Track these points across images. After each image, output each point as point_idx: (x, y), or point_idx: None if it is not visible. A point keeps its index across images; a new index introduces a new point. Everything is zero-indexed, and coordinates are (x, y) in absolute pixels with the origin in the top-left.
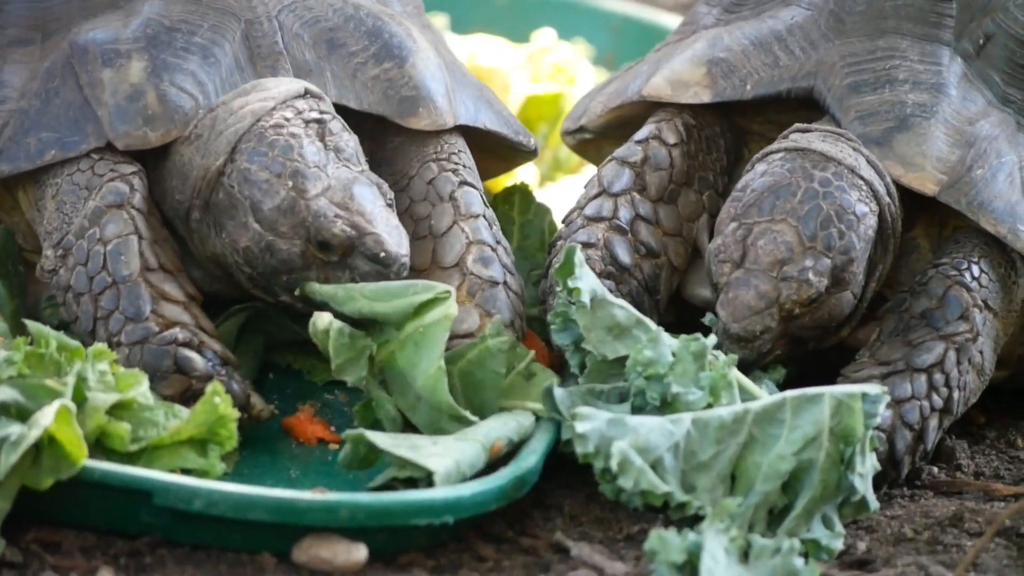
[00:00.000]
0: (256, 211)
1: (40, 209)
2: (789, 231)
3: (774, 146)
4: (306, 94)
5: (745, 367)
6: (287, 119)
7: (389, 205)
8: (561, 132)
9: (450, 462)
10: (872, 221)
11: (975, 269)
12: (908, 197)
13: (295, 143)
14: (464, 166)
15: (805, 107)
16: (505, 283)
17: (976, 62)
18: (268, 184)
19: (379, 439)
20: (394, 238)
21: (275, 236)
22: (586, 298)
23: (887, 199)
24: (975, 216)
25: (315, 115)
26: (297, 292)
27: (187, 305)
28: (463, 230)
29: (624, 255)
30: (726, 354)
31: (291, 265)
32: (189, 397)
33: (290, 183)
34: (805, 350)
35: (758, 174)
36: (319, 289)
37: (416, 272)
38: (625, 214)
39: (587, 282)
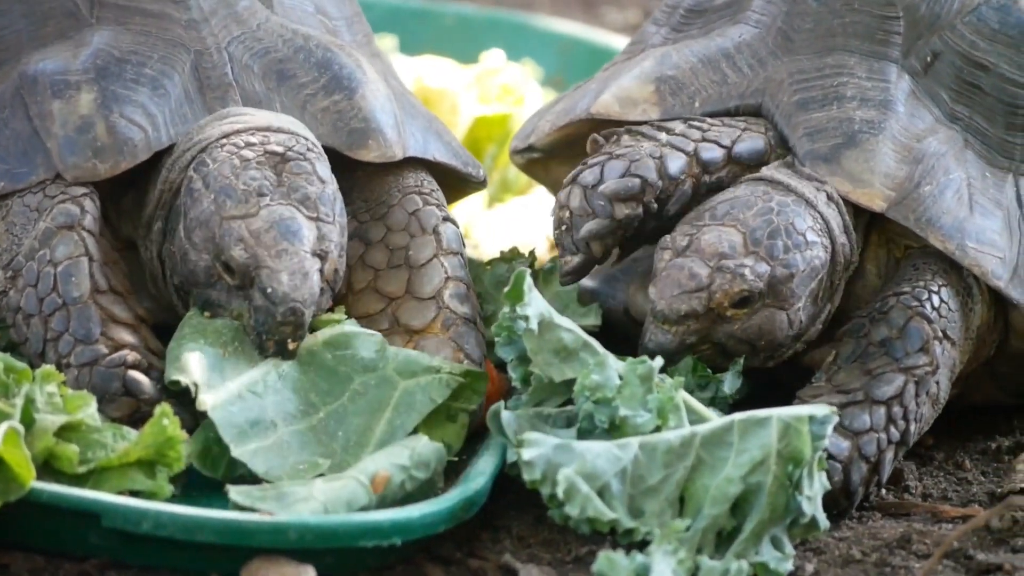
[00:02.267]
0: (185, 217)
1: None
2: (736, 234)
3: (745, 176)
4: (287, 132)
5: (667, 358)
6: (248, 143)
7: (319, 255)
8: (510, 151)
9: (316, 505)
10: (821, 254)
11: (935, 299)
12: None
13: (238, 163)
14: (442, 203)
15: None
16: (475, 322)
17: (924, 79)
18: (198, 194)
19: (243, 496)
20: (293, 280)
21: (189, 245)
22: (534, 324)
23: (843, 239)
24: (923, 232)
25: (279, 148)
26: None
27: (136, 327)
28: (443, 264)
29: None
30: (649, 344)
31: (197, 278)
32: (138, 419)
33: (213, 197)
34: (723, 367)
35: (721, 195)
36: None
37: (389, 300)
38: None
39: (535, 307)
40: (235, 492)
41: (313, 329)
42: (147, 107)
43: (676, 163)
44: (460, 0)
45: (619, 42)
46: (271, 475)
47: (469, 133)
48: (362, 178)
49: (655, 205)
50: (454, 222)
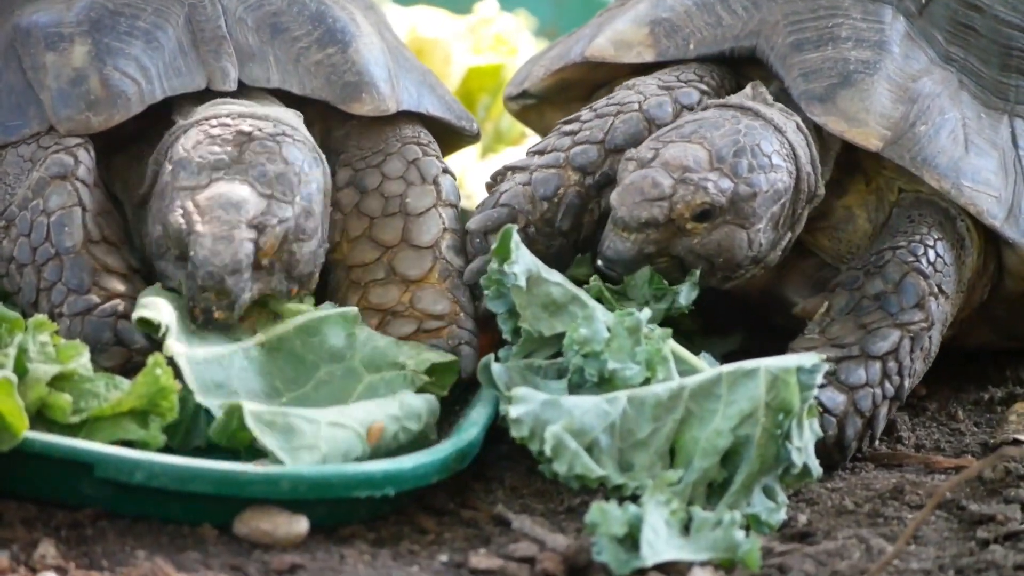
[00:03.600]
0: (153, 188)
1: None
2: (702, 151)
3: (715, 101)
4: (267, 118)
5: (624, 268)
6: (221, 123)
7: (257, 227)
8: (504, 97)
9: (317, 456)
10: (785, 178)
11: (931, 254)
12: (841, 162)
13: (201, 139)
14: (440, 155)
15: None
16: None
17: (919, 21)
18: (162, 168)
19: (254, 417)
20: (216, 246)
21: (151, 216)
22: (522, 280)
23: (808, 169)
24: (919, 171)
25: (248, 128)
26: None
27: (129, 277)
28: (441, 215)
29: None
30: (607, 252)
31: (151, 249)
32: (130, 369)
33: (171, 168)
34: (680, 282)
35: (690, 116)
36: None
37: (384, 249)
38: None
39: (523, 263)
40: (249, 408)
41: (279, 316)
42: (141, 60)
43: (546, 186)
44: None
45: None
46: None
47: (462, 83)
48: (358, 127)
49: (543, 227)
50: (452, 175)
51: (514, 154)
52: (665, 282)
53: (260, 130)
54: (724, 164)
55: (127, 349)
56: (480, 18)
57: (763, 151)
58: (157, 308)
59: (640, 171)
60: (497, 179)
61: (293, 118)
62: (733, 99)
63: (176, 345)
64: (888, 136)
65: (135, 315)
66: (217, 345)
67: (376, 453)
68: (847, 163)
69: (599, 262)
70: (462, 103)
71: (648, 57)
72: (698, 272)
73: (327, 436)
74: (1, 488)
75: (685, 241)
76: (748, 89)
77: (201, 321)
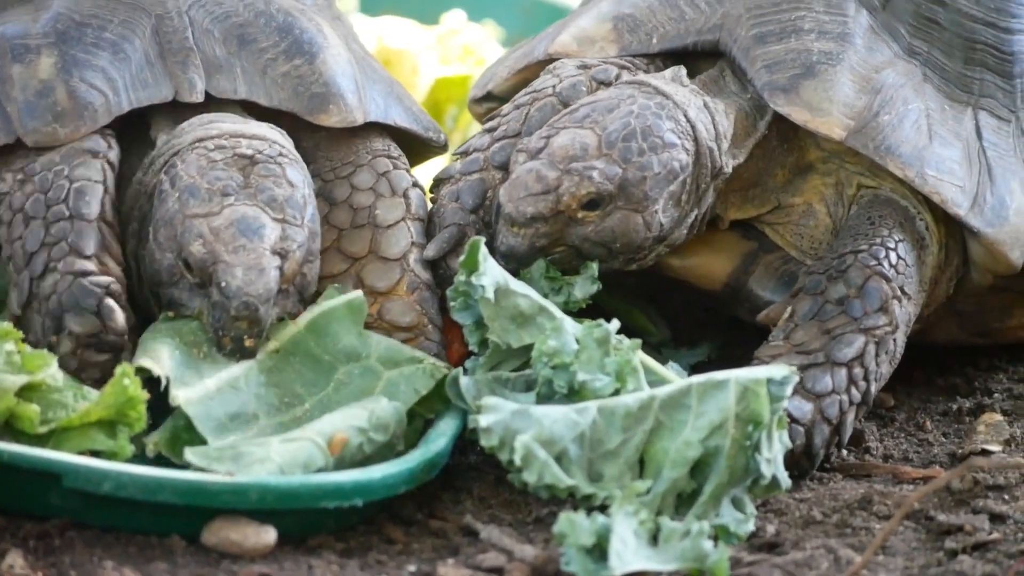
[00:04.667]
0: (155, 220)
1: None
2: (591, 136)
3: (622, 79)
4: (260, 137)
5: (518, 262)
6: (218, 146)
7: (280, 253)
8: (468, 102)
9: (272, 467)
10: (682, 156)
11: (893, 256)
12: (795, 160)
13: (205, 164)
14: (409, 169)
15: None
16: (435, 289)
17: (882, 14)
18: (165, 195)
19: (199, 456)
20: (248, 276)
21: (155, 245)
22: (490, 293)
23: (711, 145)
24: (882, 160)
25: (249, 151)
26: None
27: (126, 271)
28: (409, 228)
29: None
30: (500, 247)
31: (161, 277)
32: (89, 353)
33: (177, 195)
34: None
35: (588, 97)
36: None
37: (352, 261)
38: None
39: (491, 276)
40: (191, 453)
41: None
42: (107, 71)
43: (472, 195)
44: None
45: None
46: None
47: (430, 94)
48: (327, 138)
49: (485, 231)
50: (422, 188)
51: None
52: (560, 275)
53: (260, 152)
54: (613, 149)
55: (100, 323)
56: (448, 29)
57: (654, 131)
58: (158, 358)
59: (526, 164)
60: (433, 191)
61: (280, 136)
62: (640, 76)
63: (180, 395)
64: (851, 125)
65: (136, 362)
66: (227, 365)
67: (341, 464)
68: (799, 165)
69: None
70: (430, 114)
71: (611, 52)
72: (595, 265)
73: (279, 450)
74: None
75: (579, 230)
76: (667, 72)
77: (230, 350)
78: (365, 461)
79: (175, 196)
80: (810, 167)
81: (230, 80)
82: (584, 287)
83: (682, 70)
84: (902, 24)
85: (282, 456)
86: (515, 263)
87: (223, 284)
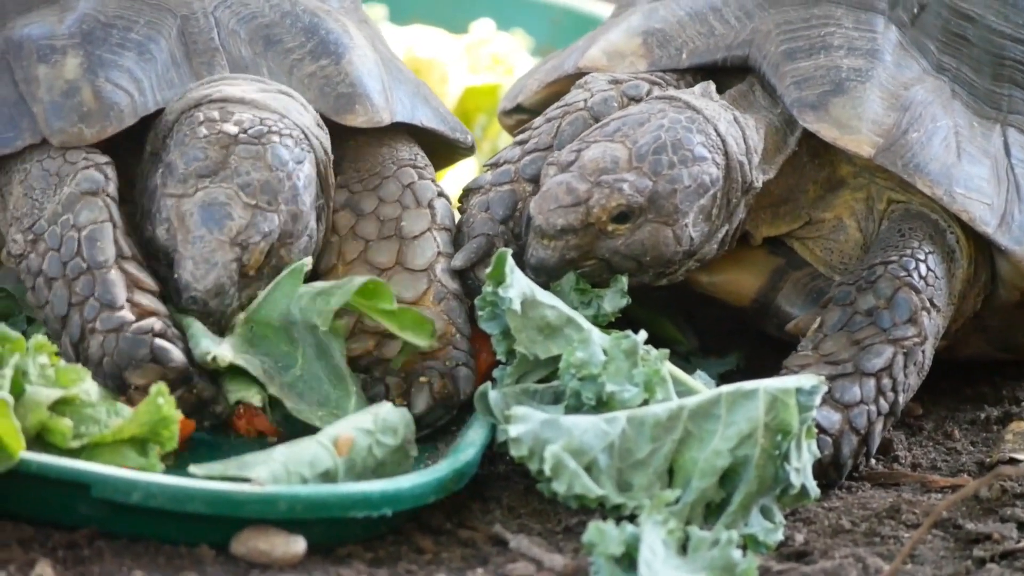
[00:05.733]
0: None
1: (5, 195)
2: (622, 150)
3: (653, 94)
4: (257, 107)
5: (548, 274)
6: (207, 118)
7: (241, 244)
8: (498, 113)
9: (277, 467)
10: (713, 171)
11: (923, 268)
12: (827, 176)
13: (188, 142)
14: (435, 178)
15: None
16: (463, 299)
17: (911, 30)
18: (153, 166)
19: (205, 471)
20: (197, 270)
21: (143, 215)
22: (517, 304)
23: (741, 159)
24: (911, 178)
25: (234, 129)
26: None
27: (158, 295)
28: (435, 239)
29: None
30: (531, 260)
31: (147, 249)
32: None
33: (160, 171)
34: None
35: (619, 112)
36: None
37: (379, 271)
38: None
39: (518, 287)
40: (197, 468)
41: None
42: (133, 72)
43: (503, 206)
44: None
45: (609, 11)
46: (300, 409)
47: (459, 103)
48: (353, 148)
49: (515, 242)
50: (447, 198)
51: None
52: (590, 287)
53: (245, 131)
54: (643, 163)
55: (160, 367)
56: (477, 38)
57: (685, 145)
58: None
59: (557, 177)
60: (462, 201)
61: (285, 104)
62: (671, 91)
63: (227, 353)
64: (880, 143)
65: (205, 354)
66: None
67: (354, 469)
68: (830, 180)
69: (527, 270)
70: (457, 118)
71: (641, 67)
72: (625, 279)
73: (282, 452)
74: None
75: (609, 243)
76: (697, 87)
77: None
78: (379, 467)
79: (159, 171)
80: (841, 182)
81: None
82: (613, 301)
83: (711, 85)
84: (931, 40)
85: (287, 457)
86: (545, 275)
87: (176, 275)
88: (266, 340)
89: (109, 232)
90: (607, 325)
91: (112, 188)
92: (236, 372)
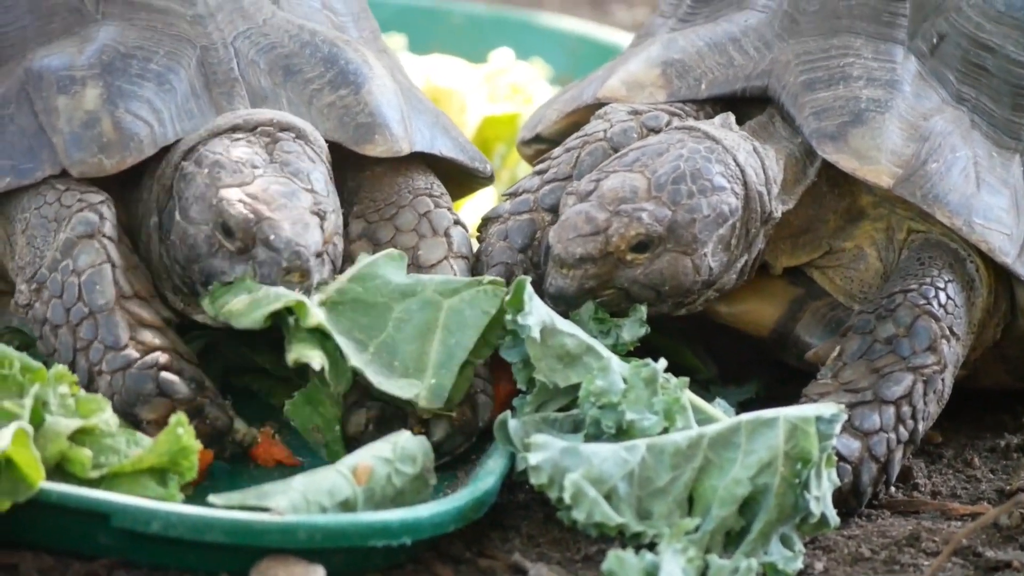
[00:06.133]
0: (180, 201)
1: (11, 245)
2: (641, 179)
3: (673, 125)
4: (276, 123)
5: (568, 303)
6: (235, 127)
7: (316, 213)
8: (517, 143)
9: (295, 495)
10: (731, 200)
11: (942, 296)
12: (847, 206)
13: (228, 143)
14: (451, 207)
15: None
16: None
17: (930, 61)
18: (191, 176)
19: (224, 500)
20: (294, 228)
21: (187, 223)
22: (535, 332)
23: (760, 189)
24: (930, 208)
25: (269, 130)
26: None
27: (164, 330)
28: (452, 267)
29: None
30: (549, 289)
31: (198, 251)
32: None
33: (206, 171)
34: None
35: (638, 143)
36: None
37: None
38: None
39: (537, 315)
40: (216, 499)
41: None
42: (153, 102)
43: (521, 235)
44: None
45: (628, 40)
46: (379, 381)
47: (478, 132)
48: (370, 178)
49: (533, 271)
50: (464, 226)
51: None
52: (609, 317)
53: (280, 132)
54: (662, 192)
55: (169, 400)
56: (495, 67)
57: (704, 174)
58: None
59: (576, 206)
60: (480, 231)
61: (296, 120)
62: (689, 121)
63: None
64: (900, 174)
65: (298, 357)
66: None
67: (373, 498)
68: (850, 211)
69: (546, 299)
70: (476, 148)
71: (660, 97)
72: (644, 308)
73: (301, 481)
74: (17, 538)
75: (628, 272)
76: (717, 118)
77: None
78: (398, 496)
79: (204, 173)
80: (861, 212)
81: (276, 110)
82: (632, 330)
83: (731, 117)
84: (950, 70)
85: (305, 486)
86: (564, 305)
87: (271, 238)
88: (342, 321)
89: (108, 274)
90: (626, 354)
91: (108, 227)
92: (303, 335)
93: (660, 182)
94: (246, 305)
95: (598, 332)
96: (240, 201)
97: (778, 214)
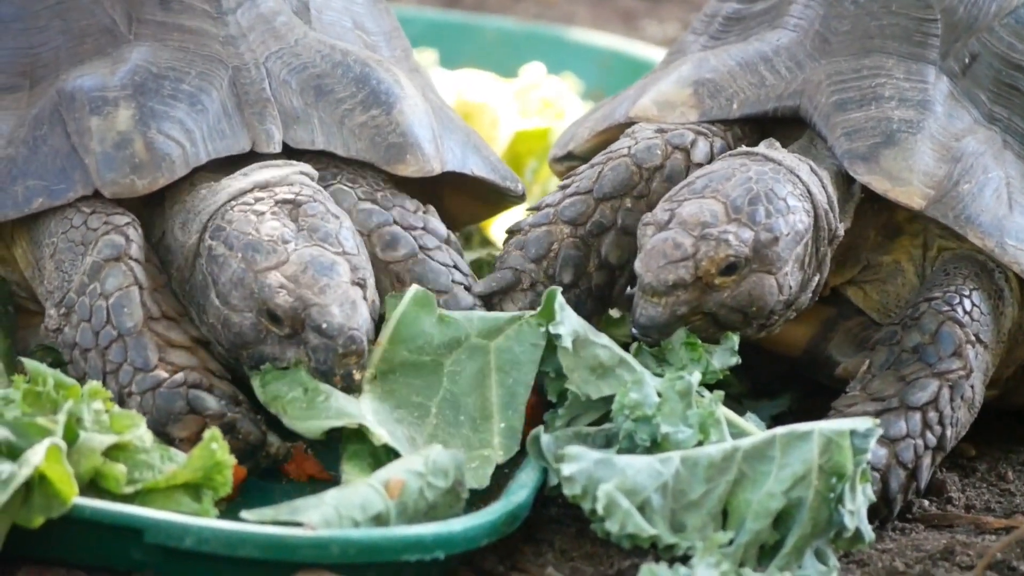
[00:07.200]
0: (215, 284)
1: (40, 269)
2: (716, 204)
3: (698, 144)
4: (289, 182)
5: (659, 332)
6: (257, 199)
7: (358, 283)
8: (549, 160)
9: (328, 509)
10: (804, 219)
11: (967, 303)
12: (885, 221)
13: (254, 219)
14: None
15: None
16: None
17: (962, 81)
18: (223, 258)
19: (257, 516)
20: (343, 311)
21: (228, 309)
22: (568, 342)
23: (825, 207)
24: (962, 230)
25: (289, 196)
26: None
27: (194, 350)
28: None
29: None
30: (640, 319)
31: (245, 338)
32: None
33: (240, 255)
34: (716, 339)
35: (700, 171)
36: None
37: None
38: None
39: (569, 325)
40: (247, 514)
41: None
42: (185, 123)
43: (537, 245)
44: (500, 14)
45: (658, 55)
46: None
47: (509, 147)
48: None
49: (548, 283)
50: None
51: None
52: (700, 344)
53: (299, 194)
54: (741, 214)
55: (200, 417)
56: (527, 82)
57: (777, 195)
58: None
59: (659, 234)
60: (504, 244)
61: (305, 174)
62: (744, 148)
63: (383, 433)
64: (931, 195)
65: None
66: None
67: (406, 512)
68: (888, 226)
69: (634, 330)
70: (510, 167)
71: (691, 117)
72: (736, 337)
73: (333, 495)
74: (51, 554)
75: (716, 296)
76: (762, 144)
77: (340, 388)
78: (431, 510)
79: (238, 257)
80: (899, 228)
81: (307, 131)
82: (723, 358)
83: (775, 142)
84: (982, 91)
85: (337, 500)
86: (656, 333)
87: (324, 326)
88: (398, 389)
89: (135, 296)
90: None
91: (135, 249)
92: (358, 447)
93: (737, 204)
94: (303, 409)
95: (689, 360)
96: (282, 287)
97: (841, 232)
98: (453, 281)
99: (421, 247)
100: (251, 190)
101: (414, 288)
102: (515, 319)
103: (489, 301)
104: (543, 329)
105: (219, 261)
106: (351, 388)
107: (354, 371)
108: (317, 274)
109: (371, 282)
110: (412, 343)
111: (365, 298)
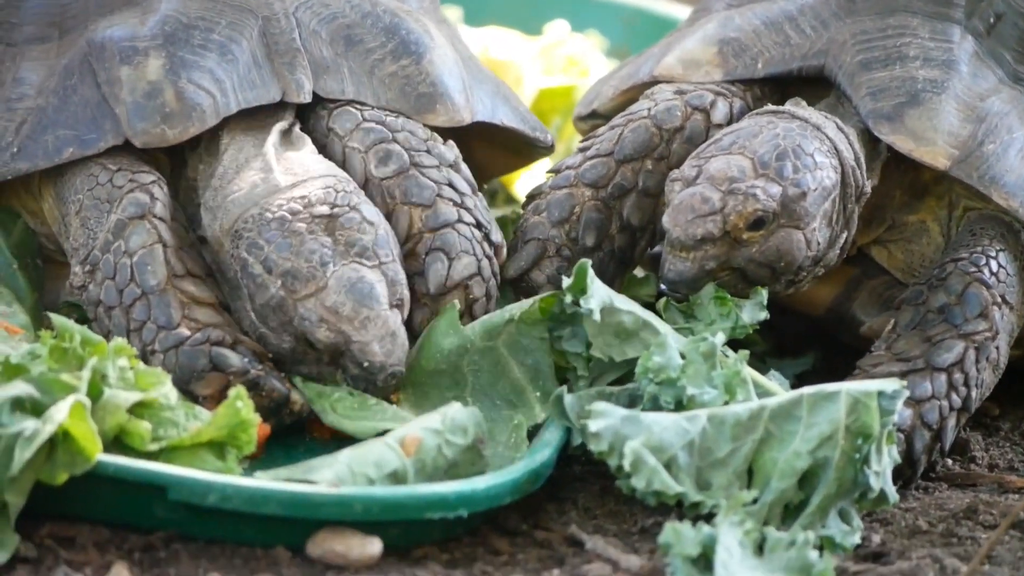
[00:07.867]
0: (252, 301)
1: (66, 225)
2: (744, 160)
3: (718, 104)
4: (320, 184)
5: (687, 287)
6: (294, 213)
7: (397, 305)
8: (573, 118)
9: (340, 467)
10: (832, 174)
11: (994, 264)
12: (911, 180)
13: (293, 241)
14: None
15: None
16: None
17: (987, 40)
18: (261, 279)
19: (270, 475)
20: (383, 347)
21: (266, 329)
22: (597, 315)
23: (852, 164)
24: (986, 190)
25: (325, 209)
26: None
27: (217, 308)
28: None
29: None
30: (669, 274)
31: (283, 356)
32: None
33: (279, 282)
34: (745, 294)
35: (727, 128)
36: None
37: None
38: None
39: (598, 297)
40: (262, 474)
41: None
42: (215, 73)
43: (559, 209)
44: None
45: (683, 12)
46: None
47: (534, 105)
48: None
49: (572, 247)
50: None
51: None
52: (730, 298)
53: (335, 205)
54: (768, 169)
55: (223, 374)
56: (552, 40)
57: (805, 151)
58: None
59: (687, 189)
60: (524, 207)
61: (334, 173)
62: (770, 106)
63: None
64: (956, 155)
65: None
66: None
67: (423, 468)
68: (914, 185)
69: (662, 285)
70: (536, 117)
71: (716, 76)
72: (764, 292)
73: (347, 454)
74: (74, 511)
75: (744, 251)
76: (788, 103)
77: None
78: (452, 468)
79: (277, 284)
80: (925, 188)
81: (337, 81)
82: (752, 312)
83: (802, 101)
84: (1007, 50)
85: (351, 459)
86: (685, 288)
87: (366, 364)
88: (430, 392)
89: (159, 254)
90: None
91: (159, 207)
92: None
93: (764, 160)
94: (353, 409)
95: (718, 315)
96: (323, 321)
97: (868, 190)
98: (438, 196)
99: (415, 164)
100: (287, 203)
101: (445, 310)
102: (509, 320)
103: (525, 276)
104: (542, 322)
105: (256, 281)
106: (385, 399)
107: (391, 392)
108: (357, 305)
109: (407, 293)
110: (428, 355)
111: (402, 315)
